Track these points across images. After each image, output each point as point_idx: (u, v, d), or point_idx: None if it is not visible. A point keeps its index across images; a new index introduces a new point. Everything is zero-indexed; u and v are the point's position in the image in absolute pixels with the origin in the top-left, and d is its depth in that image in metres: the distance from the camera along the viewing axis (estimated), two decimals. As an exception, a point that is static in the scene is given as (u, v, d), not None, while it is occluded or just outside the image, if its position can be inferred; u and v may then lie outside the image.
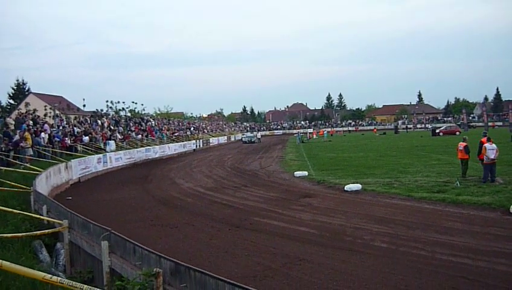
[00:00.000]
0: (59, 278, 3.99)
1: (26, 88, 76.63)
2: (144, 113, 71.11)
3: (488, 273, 8.11)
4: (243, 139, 73.84)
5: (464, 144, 18.99)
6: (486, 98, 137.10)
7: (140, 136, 47.17)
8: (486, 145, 17.58)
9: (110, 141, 37.49)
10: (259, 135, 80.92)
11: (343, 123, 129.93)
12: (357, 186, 18.15)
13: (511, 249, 9.48)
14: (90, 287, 3.96)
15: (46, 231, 10.17)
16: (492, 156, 17.37)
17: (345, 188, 18.21)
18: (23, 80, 77.48)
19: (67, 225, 9.58)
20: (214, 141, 72.05)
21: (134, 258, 6.41)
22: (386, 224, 12.21)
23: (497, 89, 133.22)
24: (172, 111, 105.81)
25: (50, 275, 4.10)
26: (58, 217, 10.43)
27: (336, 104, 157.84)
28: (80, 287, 3.83)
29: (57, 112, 41.36)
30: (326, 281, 8.09)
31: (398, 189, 17.43)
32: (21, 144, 23.65)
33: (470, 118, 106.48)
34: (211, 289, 4.76)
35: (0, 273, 6.38)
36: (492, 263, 8.66)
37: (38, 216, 11.66)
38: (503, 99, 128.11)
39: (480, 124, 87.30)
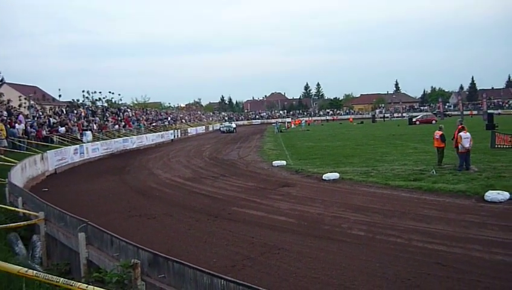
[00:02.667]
0: (35, 272, 3.94)
1: (0, 78, 75.12)
2: (121, 104, 70.46)
3: (463, 260, 8.24)
4: (221, 128, 73.62)
5: (440, 132, 19.22)
6: (461, 87, 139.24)
7: (117, 126, 46.74)
8: (462, 134, 17.82)
9: (86, 132, 37.09)
10: (233, 124, 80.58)
11: (321, 112, 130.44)
12: (335, 175, 18.26)
13: (485, 236, 9.65)
14: (66, 279, 3.91)
15: (22, 223, 10.03)
16: (467, 145, 17.63)
17: (323, 177, 18.31)
18: (-4, 70, 75.97)
19: (43, 217, 9.47)
20: (192, 131, 71.77)
21: (112, 249, 6.37)
22: (364, 212, 12.33)
23: (472, 78, 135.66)
24: (149, 101, 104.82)
25: (25, 269, 4.04)
26: (34, 209, 10.31)
27: (313, 93, 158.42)
28: (56, 280, 3.79)
29: (32, 102, 40.70)
30: (305, 269, 8.15)
31: (375, 177, 17.58)
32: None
33: (446, 106, 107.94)
34: (189, 279, 4.76)
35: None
36: (467, 250, 8.81)
37: (13, 208, 11.51)
38: (478, 88, 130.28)
39: (456, 112, 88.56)
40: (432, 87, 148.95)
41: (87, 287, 3.83)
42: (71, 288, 3.83)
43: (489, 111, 61.93)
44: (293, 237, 10.37)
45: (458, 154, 18.05)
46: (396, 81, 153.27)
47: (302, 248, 9.43)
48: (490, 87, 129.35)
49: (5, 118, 27.46)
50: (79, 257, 7.32)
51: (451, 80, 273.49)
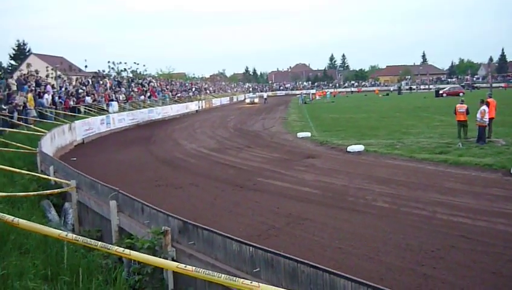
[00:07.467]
0: (74, 236, 4.14)
1: (27, 49, 76.05)
2: (146, 74, 70.76)
3: (487, 233, 8.26)
4: (247, 100, 73.71)
5: (465, 106, 18.94)
6: (491, 59, 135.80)
7: (142, 97, 47.08)
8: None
9: (112, 102, 37.50)
10: (265, 95, 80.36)
11: (346, 84, 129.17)
12: (359, 147, 18.26)
13: (511, 210, 9.62)
14: (104, 243, 4.11)
15: (55, 190, 10.34)
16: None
17: (348, 149, 18.33)
18: (23, 41, 76.89)
19: (75, 185, 9.75)
20: (216, 101, 71.94)
21: (143, 217, 6.57)
22: (388, 184, 12.36)
23: (502, 49, 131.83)
24: (174, 72, 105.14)
25: (65, 233, 4.24)
26: (66, 178, 10.59)
27: (338, 64, 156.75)
28: (94, 244, 3.98)
29: (59, 72, 41.16)
30: (329, 240, 8.27)
31: (401, 150, 17.52)
32: (15, 101, 23.22)
33: (474, 79, 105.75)
34: (219, 246, 4.91)
35: (13, 231, 6.55)
36: (492, 223, 8.80)
37: (45, 177, 11.81)
38: (508, 60, 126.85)
39: (485, 85, 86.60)
40: (460, 58, 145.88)
41: (123, 250, 4.01)
42: (109, 251, 4.03)
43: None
44: (317, 208, 10.48)
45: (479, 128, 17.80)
46: (424, 53, 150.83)
47: (326, 219, 9.55)
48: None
49: (33, 88, 27.86)
50: (110, 224, 7.56)
51: (481, 51, 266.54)
